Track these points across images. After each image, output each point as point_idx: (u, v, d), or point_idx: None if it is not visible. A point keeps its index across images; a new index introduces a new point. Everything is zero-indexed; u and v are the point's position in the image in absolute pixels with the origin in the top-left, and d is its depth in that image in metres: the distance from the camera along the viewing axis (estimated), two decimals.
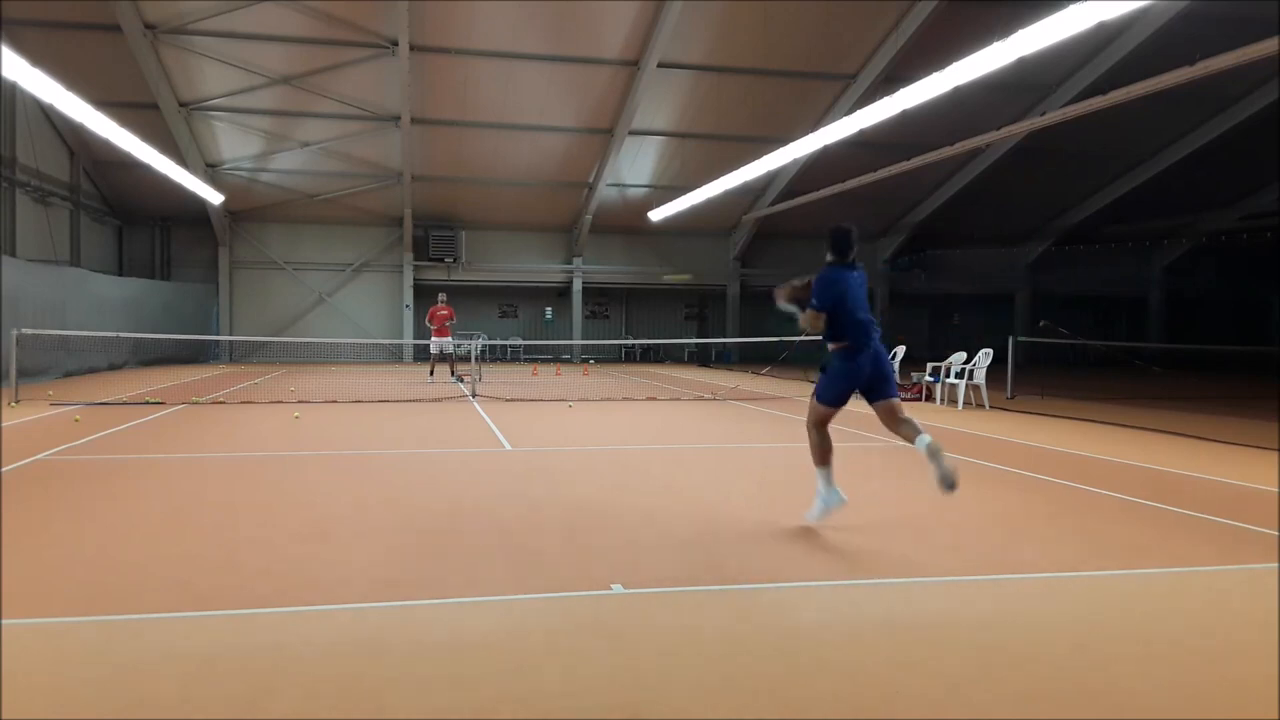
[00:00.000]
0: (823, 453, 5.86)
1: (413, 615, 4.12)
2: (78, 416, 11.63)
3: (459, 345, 19.28)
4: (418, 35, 20.15)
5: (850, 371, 5.74)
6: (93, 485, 7.15)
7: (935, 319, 34.26)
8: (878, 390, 5.79)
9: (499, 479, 7.68)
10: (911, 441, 5.64)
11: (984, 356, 14.51)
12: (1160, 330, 34.11)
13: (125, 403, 13.78)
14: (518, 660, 3.55)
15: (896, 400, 5.80)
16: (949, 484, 5.33)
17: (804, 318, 5.82)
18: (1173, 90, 14.28)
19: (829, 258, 5.89)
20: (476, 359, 17.54)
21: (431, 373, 19.44)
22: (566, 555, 5.15)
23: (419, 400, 15.00)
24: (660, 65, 21.17)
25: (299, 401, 14.42)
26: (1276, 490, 7.28)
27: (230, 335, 26.97)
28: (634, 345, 31.91)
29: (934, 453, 5.41)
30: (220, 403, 14.22)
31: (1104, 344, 28.18)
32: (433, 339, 19.33)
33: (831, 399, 5.82)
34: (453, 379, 19.16)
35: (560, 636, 3.84)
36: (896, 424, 5.78)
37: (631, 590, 4.47)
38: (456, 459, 8.84)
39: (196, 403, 14.12)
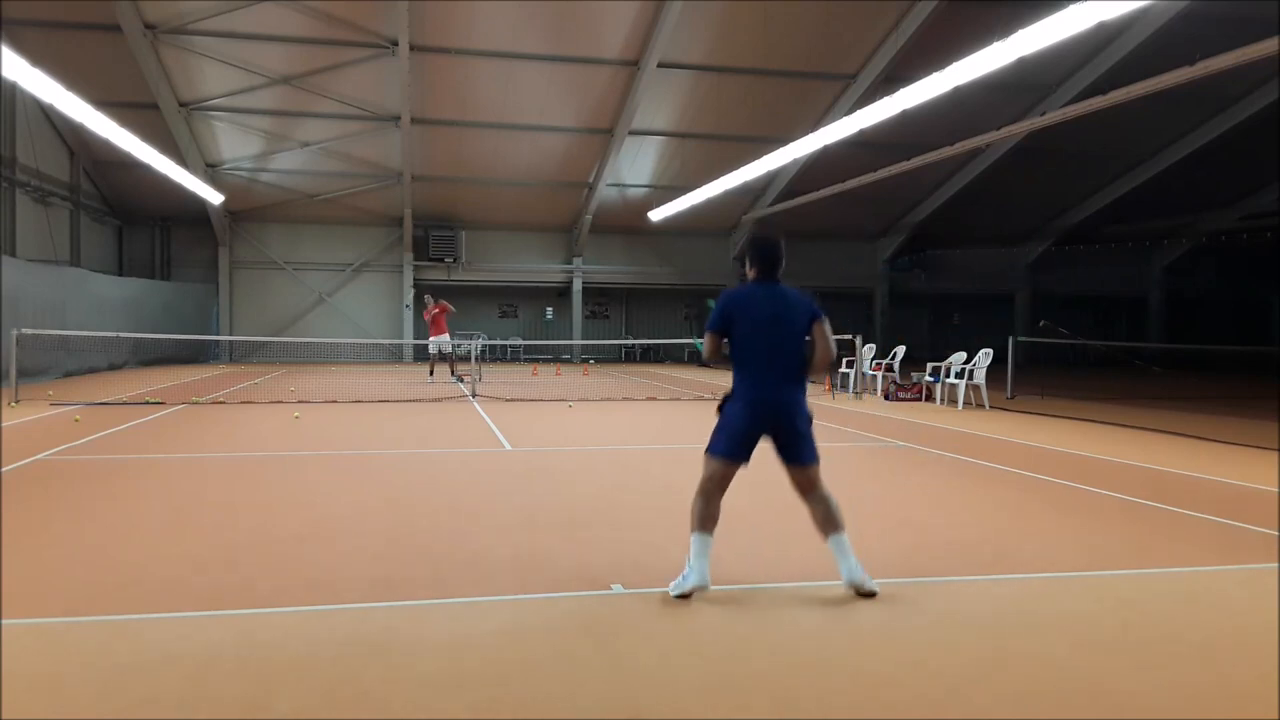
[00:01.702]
0: (702, 519, 4.48)
1: (413, 615, 4.12)
2: (77, 416, 11.63)
3: (458, 345, 19.28)
4: (418, 35, 20.14)
5: (743, 413, 4.48)
6: (93, 485, 7.15)
7: (935, 319, 34.26)
8: (788, 451, 4.52)
9: (499, 479, 7.69)
10: (821, 530, 4.52)
11: (984, 356, 14.51)
12: (1160, 330, 34.13)
13: (125, 403, 13.77)
14: (518, 660, 3.55)
15: (813, 468, 4.52)
16: (860, 589, 4.37)
17: (705, 347, 4.61)
18: (1173, 90, 14.28)
19: (749, 274, 4.62)
20: (476, 359, 17.56)
21: (431, 373, 19.44)
22: (567, 555, 5.14)
23: (419, 400, 15.00)
24: (660, 65, 21.16)
25: (299, 401, 14.42)
26: (1276, 490, 7.28)
27: (230, 335, 26.95)
28: (634, 345, 31.91)
29: (843, 549, 4.45)
30: (220, 403, 14.22)
31: (1103, 344, 28.17)
32: (431, 339, 19.33)
33: (719, 448, 4.51)
34: (453, 379, 19.16)
35: (560, 637, 3.84)
36: (808, 495, 4.57)
37: (632, 590, 4.47)
38: (457, 459, 8.84)
39: (196, 403, 14.12)
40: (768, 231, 4.82)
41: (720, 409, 4.59)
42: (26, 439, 9.56)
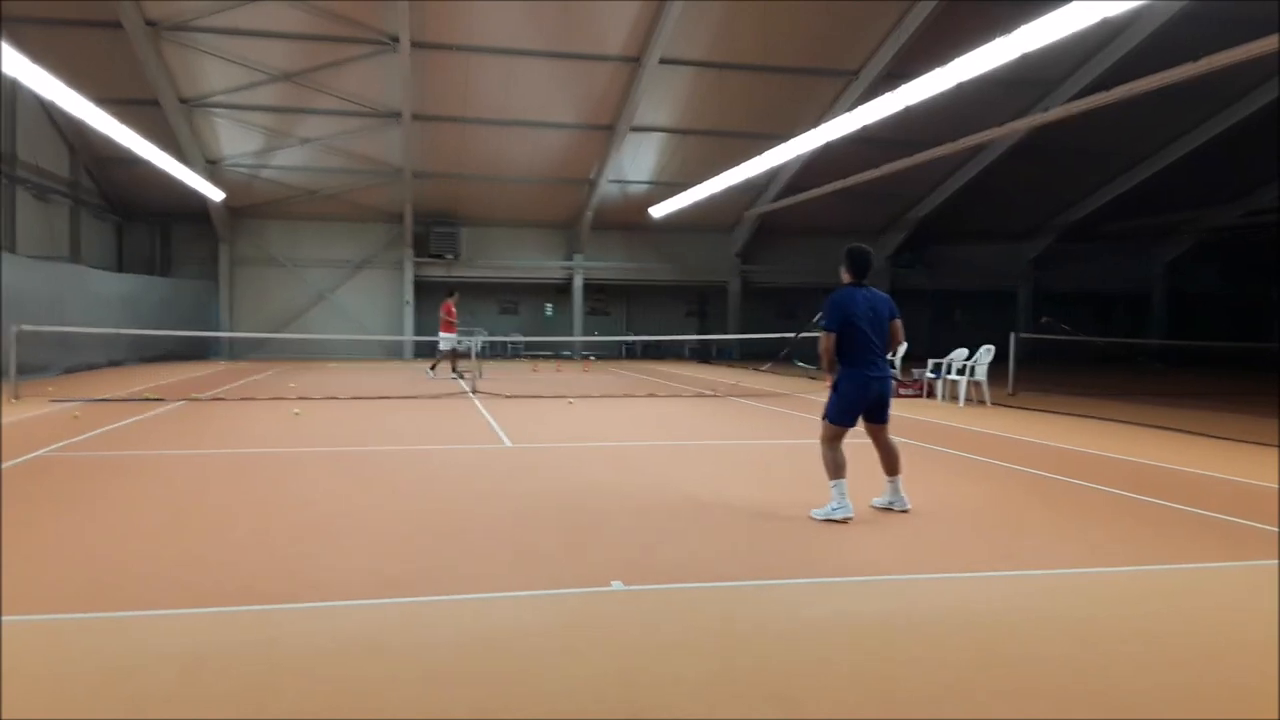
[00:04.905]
0: (837, 467, 5.98)
1: (413, 612, 4.10)
2: (76, 413, 11.61)
3: (460, 342, 19.29)
4: (418, 31, 20.10)
5: (858, 390, 5.99)
6: (92, 482, 7.13)
7: (937, 315, 34.20)
8: (876, 414, 6.16)
9: (499, 475, 7.67)
10: (887, 471, 6.22)
11: (985, 353, 14.48)
12: (1163, 326, 34.09)
13: (125, 399, 13.77)
14: (517, 658, 3.53)
15: (886, 426, 6.25)
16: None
17: (820, 343, 6.04)
18: (1176, 87, 14.19)
19: (845, 278, 6.12)
20: (476, 355, 17.54)
21: (433, 368, 19.44)
22: (566, 552, 5.13)
23: (418, 397, 14.98)
24: (662, 61, 21.12)
25: (299, 398, 14.41)
26: (1276, 487, 7.26)
27: (230, 332, 26.88)
28: (634, 342, 31.90)
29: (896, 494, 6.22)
30: (219, 399, 14.21)
31: (1104, 340, 28.05)
32: (441, 335, 19.25)
33: (840, 418, 6.04)
34: (453, 375, 19.14)
35: (561, 634, 3.83)
36: (883, 447, 6.25)
37: (631, 587, 4.46)
38: (456, 455, 8.83)
39: (196, 399, 14.11)
40: (861, 244, 6.14)
41: (834, 387, 6.10)
42: (26, 435, 9.55)
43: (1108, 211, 30.21)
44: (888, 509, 6.17)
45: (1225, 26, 14.08)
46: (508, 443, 9.69)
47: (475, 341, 20.33)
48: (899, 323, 6.15)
